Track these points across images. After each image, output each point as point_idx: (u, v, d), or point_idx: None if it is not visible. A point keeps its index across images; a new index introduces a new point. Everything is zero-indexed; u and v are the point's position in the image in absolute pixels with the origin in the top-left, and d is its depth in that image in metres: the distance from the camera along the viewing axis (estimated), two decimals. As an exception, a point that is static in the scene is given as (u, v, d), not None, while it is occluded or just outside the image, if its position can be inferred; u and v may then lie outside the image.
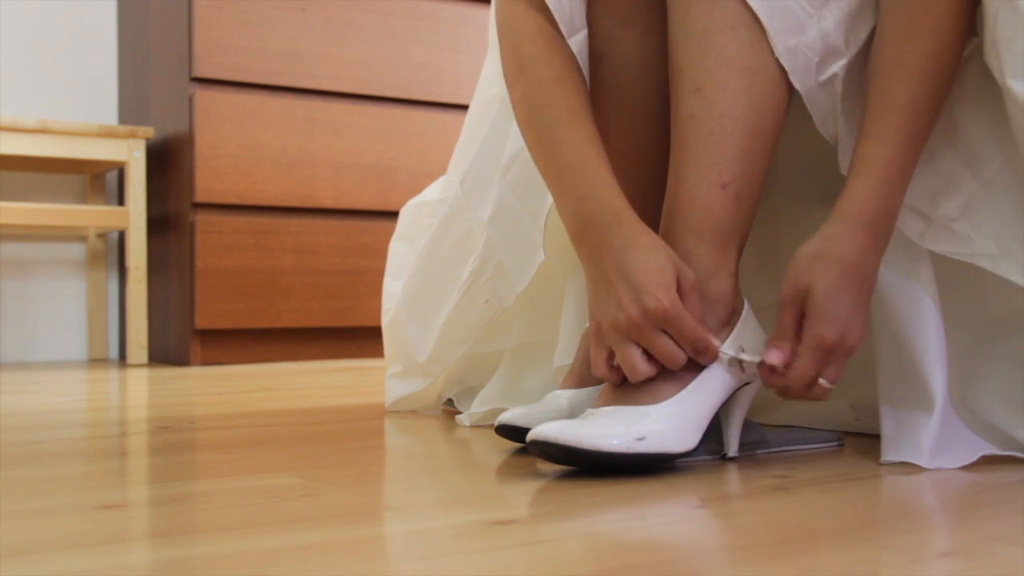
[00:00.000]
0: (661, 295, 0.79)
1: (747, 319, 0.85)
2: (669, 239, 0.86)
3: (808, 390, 0.82)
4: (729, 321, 0.85)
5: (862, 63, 0.88)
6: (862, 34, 0.87)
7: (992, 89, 0.85)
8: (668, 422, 0.80)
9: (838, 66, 0.86)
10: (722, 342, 0.83)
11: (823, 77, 0.85)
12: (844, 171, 0.87)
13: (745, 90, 0.83)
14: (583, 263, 0.86)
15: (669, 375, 0.82)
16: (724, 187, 0.84)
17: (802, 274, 0.81)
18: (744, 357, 0.83)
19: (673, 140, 0.87)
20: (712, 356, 0.82)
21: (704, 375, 0.83)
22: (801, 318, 0.82)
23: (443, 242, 1.19)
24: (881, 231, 0.82)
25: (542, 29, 0.91)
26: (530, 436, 0.79)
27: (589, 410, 0.83)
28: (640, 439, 0.78)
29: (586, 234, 0.85)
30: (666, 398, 0.81)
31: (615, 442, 0.78)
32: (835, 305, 0.80)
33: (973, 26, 0.85)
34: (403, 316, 1.23)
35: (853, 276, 0.81)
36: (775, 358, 0.81)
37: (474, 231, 1.14)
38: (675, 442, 0.80)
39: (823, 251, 0.81)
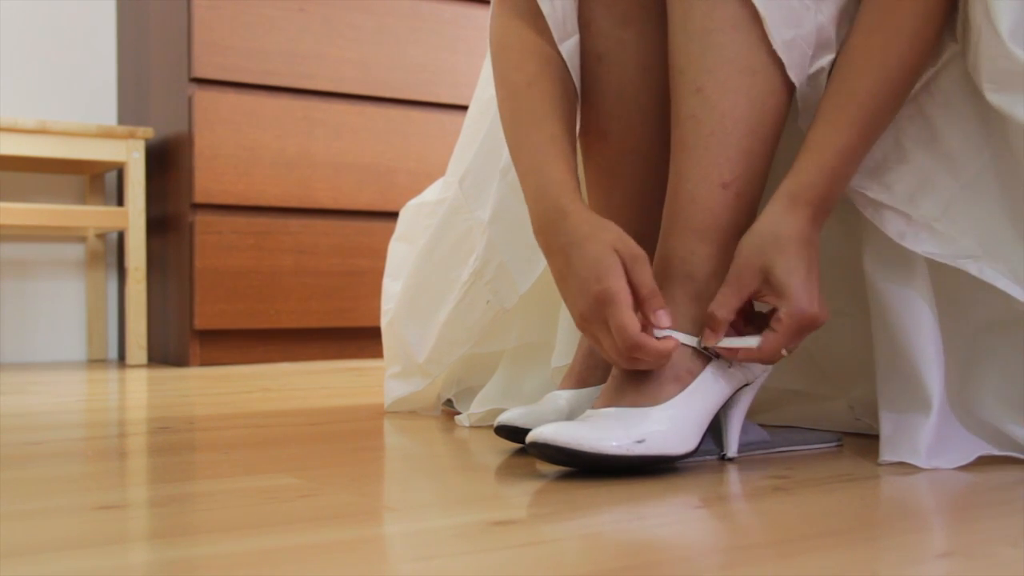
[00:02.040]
0: (598, 286, 0.80)
1: None
2: (670, 239, 0.86)
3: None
4: None
5: None
6: (847, 30, 0.87)
7: (971, 95, 0.86)
8: (668, 424, 0.80)
9: (826, 60, 0.86)
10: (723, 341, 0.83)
11: (812, 70, 0.86)
12: None
13: (746, 90, 0.84)
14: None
15: (669, 376, 0.82)
16: (725, 187, 0.84)
17: (755, 255, 0.82)
18: (697, 346, 0.83)
19: (673, 140, 0.87)
20: (655, 352, 0.80)
21: (704, 376, 0.83)
22: (753, 297, 0.83)
23: (442, 242, 1.19)
24: (823, 211, 0.84)
25: (520, 37, 0.93)
26: (529, 438, 0.79)
27: (589, 411, 0.83)
28: (639, 441, 0.78)
29: (541, 235, 0.87)
30: (666, 399, 0.81)
31: (614, 444, 0.78)
32: (799, 282, 0.81)
33: (952, 31, 0.86)
34: (402, 317, 1.23)
35: (804, 251, 0.82)
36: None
37: (473, 231, 1.14)
38: (674, 444, 0.80)
39: (776, 232, 0.82)
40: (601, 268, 0.80)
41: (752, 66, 0.83)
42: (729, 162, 0.84)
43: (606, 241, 0.82)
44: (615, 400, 0.83)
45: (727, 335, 0.83)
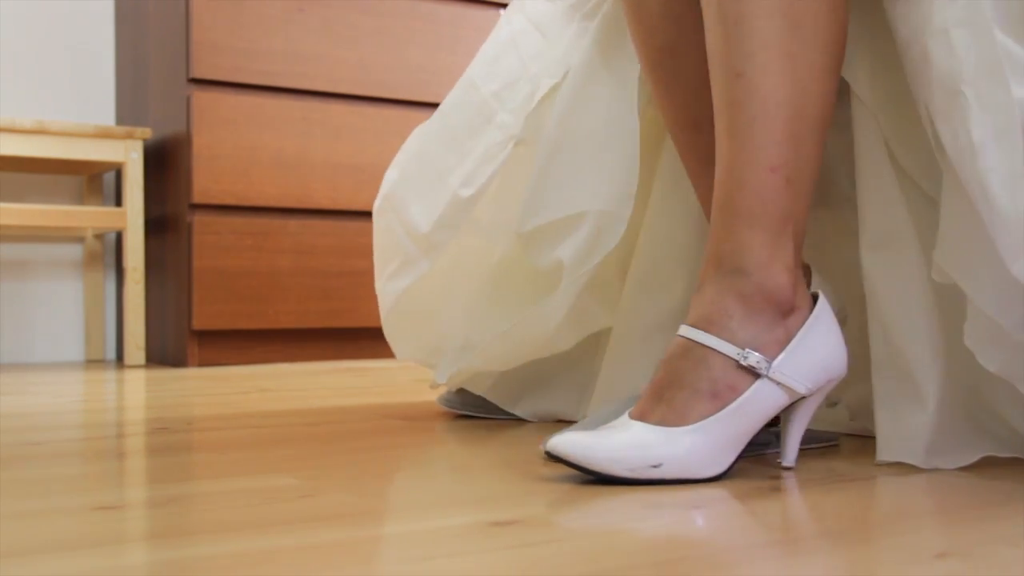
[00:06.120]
0: None
1: (812, 328, 0.81)
2: (718, 232, 0.82)
3: None
4: (785, 319, 0.80)
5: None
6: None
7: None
8: (690, 448, 0.76)
9: None
10: (775, 342, 0.79)
11: None
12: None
13: (788, 73, 0.81)
14: None
15: (707, 391, 0.78)
16: (774, 171, 0.80)
17: None
18: (742, 361, 0.78)
19: (718, 130, 0.84)
20: None
21: (748, 395, 0.77)
22: None
23: (453, 117, 1.16)
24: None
25: None
26: (547, 446, 0.79)
27: (624, 417, 0.80)
28: (655, 466, 0.76)
29: None
30: (697, 419, 0.77)
31: (627, 468, 0.76)
32: None
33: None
34: (400, 191, 1.17)
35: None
36: None
37: (488, 102, 1.13)
38: (696, 469, 0.77)
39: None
40: None
41: (791, 51, 0.81)
42: (776, 145, 0.80)
43: None
44: (647, 411, 0.79)
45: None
